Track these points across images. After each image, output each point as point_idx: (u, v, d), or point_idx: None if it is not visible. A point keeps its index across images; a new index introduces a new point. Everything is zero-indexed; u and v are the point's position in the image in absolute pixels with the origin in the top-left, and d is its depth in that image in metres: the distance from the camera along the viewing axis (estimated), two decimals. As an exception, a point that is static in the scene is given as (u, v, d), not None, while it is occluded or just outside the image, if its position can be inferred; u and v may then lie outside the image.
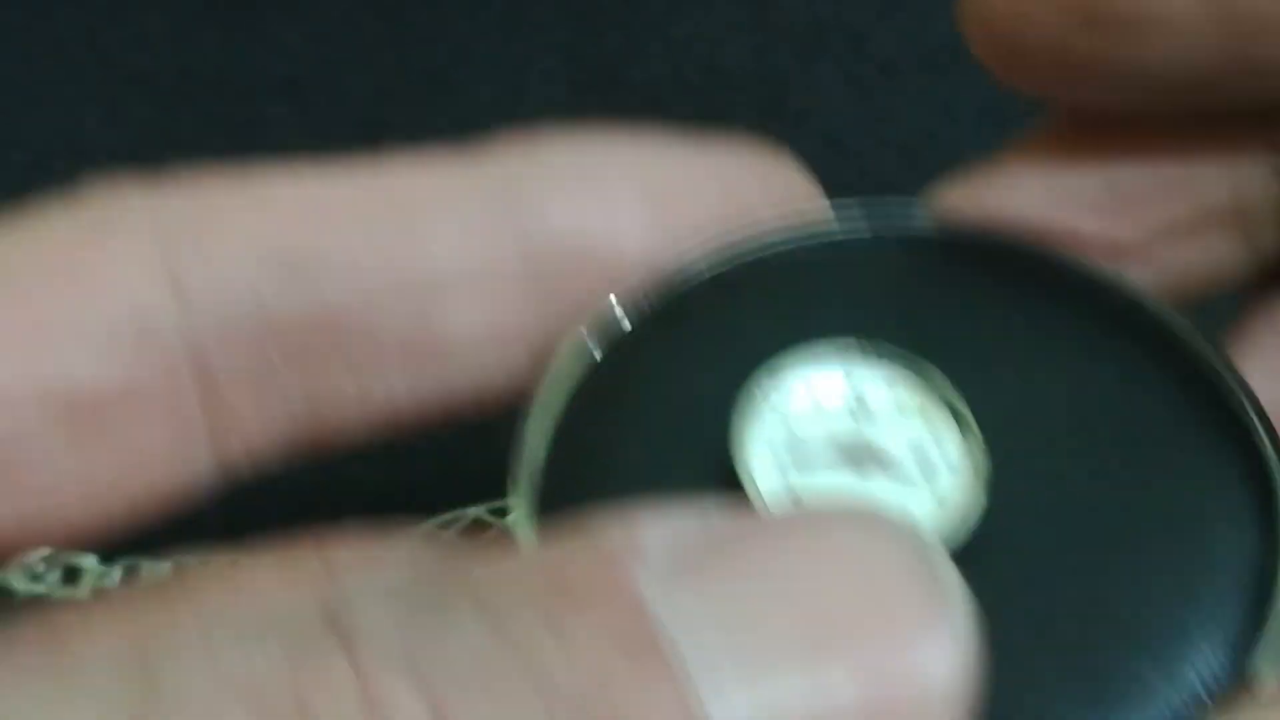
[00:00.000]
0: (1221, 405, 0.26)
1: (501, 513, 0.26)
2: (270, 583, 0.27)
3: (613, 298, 0.27)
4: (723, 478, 0.24)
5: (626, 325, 0.26)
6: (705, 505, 0.21)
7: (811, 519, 0.20)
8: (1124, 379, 0.26)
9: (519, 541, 0.24)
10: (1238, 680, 0.23)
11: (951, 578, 0.20)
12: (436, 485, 0.29)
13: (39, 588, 0.26)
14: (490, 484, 0.26)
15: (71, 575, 0.27)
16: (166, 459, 0.27)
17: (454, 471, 0.29)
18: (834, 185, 0.29)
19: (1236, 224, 0.29)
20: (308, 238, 0.26)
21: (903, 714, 0.19)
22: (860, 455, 0.24)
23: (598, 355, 0.26)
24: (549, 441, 0.26)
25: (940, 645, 0.19)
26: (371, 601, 0.19)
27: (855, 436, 0.24)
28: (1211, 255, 0.29)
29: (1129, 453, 0.25)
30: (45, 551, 0.26)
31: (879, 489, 0.24)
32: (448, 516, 0.28)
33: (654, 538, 0.20)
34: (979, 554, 0.23)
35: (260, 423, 0.27)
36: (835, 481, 0.24)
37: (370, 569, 0.26)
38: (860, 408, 0.24)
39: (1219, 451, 0.25)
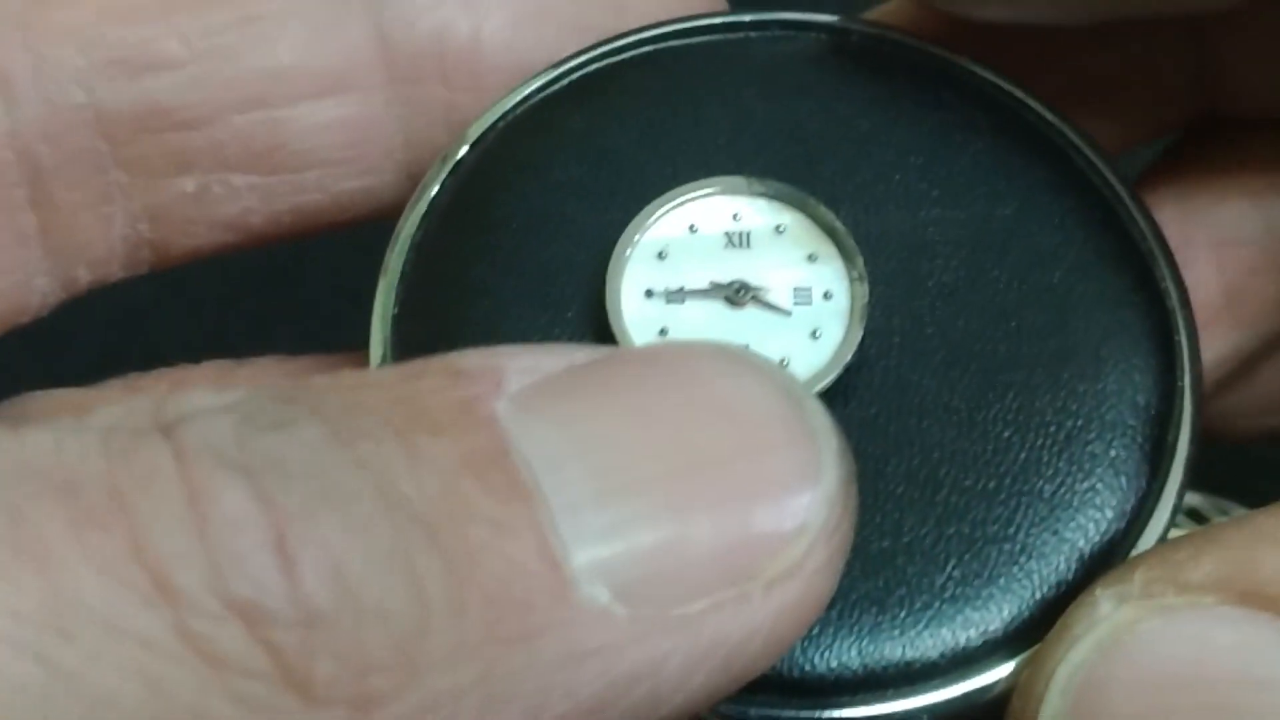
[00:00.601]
0: (1125, 242, 0.24)
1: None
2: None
3: (472, 127, 0.25)
4: (593, 314, 0.23)
5: (489, 149, 0.25)
6: (571, 345, 0.19)
7: (675, 355, 0.19)
8: (1023, 207, 0.24)
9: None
10: (1127, 546, 0.22)
11: (820, 420, 0.19)
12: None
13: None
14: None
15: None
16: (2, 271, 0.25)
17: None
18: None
19: (1145, 88, 0.28)
20: (139, 32, 0.24)
21: (763, 563, 0.18)
22: (735, 287, 0.22)
23: (459, 184, 0.24)
24: (409, 279, 0.24)
25: (804, 487, 0.18)
26: (207, 410, 0.17)
27: (731, 268, 0.23)
28: (1117, 122, 0.28)
29: (1022, 290, 0.23)
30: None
31: (751, 321, 0.22)
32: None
33: (514, 368, 0.18)
34: (854, 393, 0.22)
35: (98, 229, 0.25)
36: (707, 315, 0.22)
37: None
38: (739, 240, 0.23)
39: (1118, 292, 0.23)
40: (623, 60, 0.25)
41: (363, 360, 0.24)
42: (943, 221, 0.24)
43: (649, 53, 0.25)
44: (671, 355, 0.19)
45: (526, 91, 0.25)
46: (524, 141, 0.24)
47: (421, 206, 0.24)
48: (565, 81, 0.25)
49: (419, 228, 0.24)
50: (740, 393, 0.19)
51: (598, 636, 0.17)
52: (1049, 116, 0.25)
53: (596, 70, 0.25)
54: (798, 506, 0.18)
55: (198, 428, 0.17)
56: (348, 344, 0.26)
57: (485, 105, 0.25)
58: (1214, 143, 0.29)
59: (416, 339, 0.23)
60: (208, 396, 0.17)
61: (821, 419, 0.19)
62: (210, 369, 0.27)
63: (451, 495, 0.17)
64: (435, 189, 0.24)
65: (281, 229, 0.26)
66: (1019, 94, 0.25)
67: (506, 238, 0.23)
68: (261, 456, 0.16)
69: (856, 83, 0.25)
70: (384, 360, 0.23)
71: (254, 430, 0.17)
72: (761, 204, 0.23)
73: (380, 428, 0.17)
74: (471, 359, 0.19)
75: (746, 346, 0.22)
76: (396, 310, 0.23)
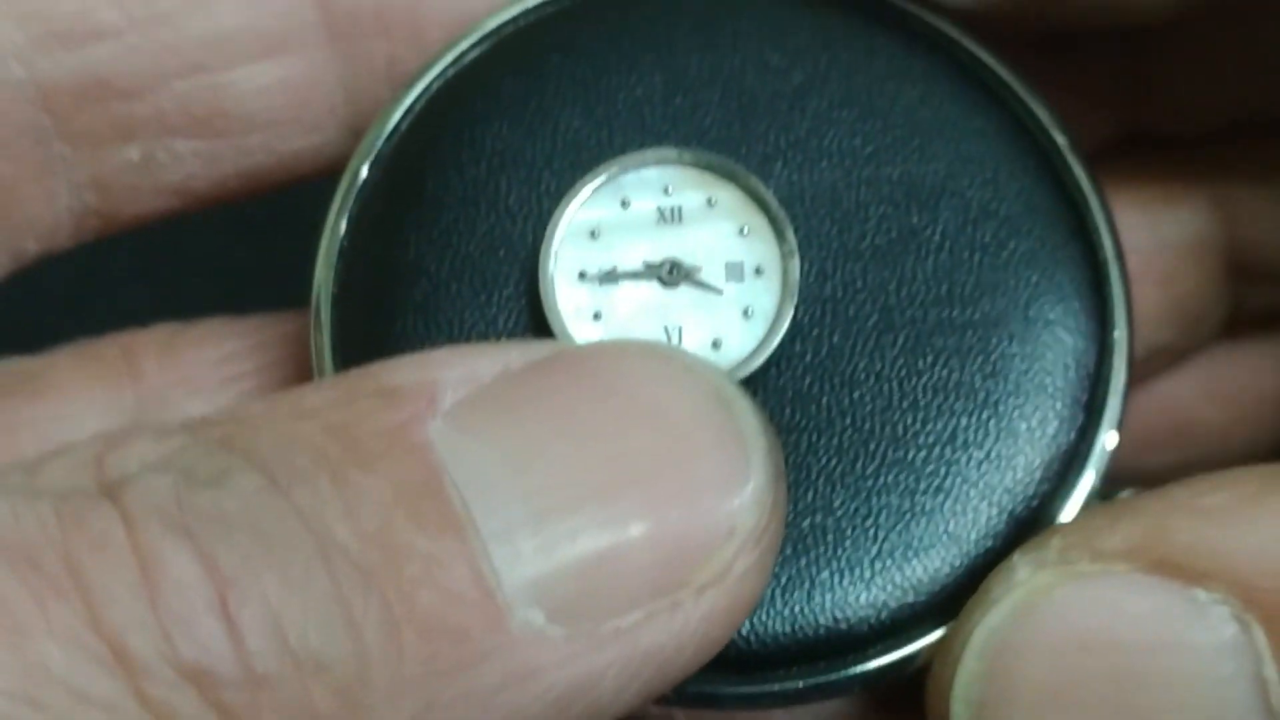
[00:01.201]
0: (1059, 191, 0.24)
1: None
2: (74, 383, 0.26)
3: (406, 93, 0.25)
4: (531, 292, 0.23)
5: (423, 115, 0.25)
6: (505, 345, 0.20)
7: (607, 358, 0.20)
8: (955, 162, 0.24)
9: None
10: (1054, 510, 0.23)
11: (748, 420, 0.19)
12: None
13: None
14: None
15: None
16: None
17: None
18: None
19: (1081, 100, 0.28)
20: (75, 2, 0.24)
21: (693, 570, 0.19)
22: (667, 267, 0.23)
23: (394, 154, 0.24)
24: (347, 255, 0.24)
25: (733, 491, 0.19)
26: (147, 467, 0.18)
27: (663, 245, 0.23)
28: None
29: (953, 251, 0.23)
30: None
31: (684, 301, 0.22)
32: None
33: (448, 380, 0.19)
34: (787, 366, 0.23)
35: (44, 201, 0.25)
36: (640, 297, 0.23)
37: (168, 382, 0.26)
38: (671, 215, 0.23)
39: (1050, 248, 0.23)
40: (557, 12, 0.25)
41: (306, 321, 0.24)
42: (875, 180, 0.24)
43: (583, 3, 0.25)
44: (603, 358, 0.20)
45: (460, 50, 0.25)
46: (458, 107, 0.24)
47: (357, 177, 0.24)
48: (497, 39, 0.25)
49: (355, 200, 0.24)
50: (670, 397, 0.19)
51: (536, 658, 0.18)
52: (984, 57, 0.25)
53: (529, 25, 0.25)
54: (726, 511, 0.19)
55: (141, 488, 0.17)
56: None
57: (427, 58, 0.25)
58: (1108, 151, 0.29)
59: (357, 322, 0.23)
60: (148, 445, 0.18)
61: (750, 419, 0.19)
62: (159, 332, 0.27)
63: (386, 533, 0.18)
64: (370, 159, 0.24)
65: (227, 191, 0.26)
66: (954, 34, 0.25)
67: (442, 212, 0.24)
68: (202, 515, 0.17)
69: (790, 30, 0.24)
70: (325, 347, 0.23)
71: (194, 487, 0.17)
72: (693, 175, 0.23)
73: (315, 467, 0.18)
74: (405, 373, 0.19)
75: (680, 330, 0.22)
76: (336, 290, 0.24)
